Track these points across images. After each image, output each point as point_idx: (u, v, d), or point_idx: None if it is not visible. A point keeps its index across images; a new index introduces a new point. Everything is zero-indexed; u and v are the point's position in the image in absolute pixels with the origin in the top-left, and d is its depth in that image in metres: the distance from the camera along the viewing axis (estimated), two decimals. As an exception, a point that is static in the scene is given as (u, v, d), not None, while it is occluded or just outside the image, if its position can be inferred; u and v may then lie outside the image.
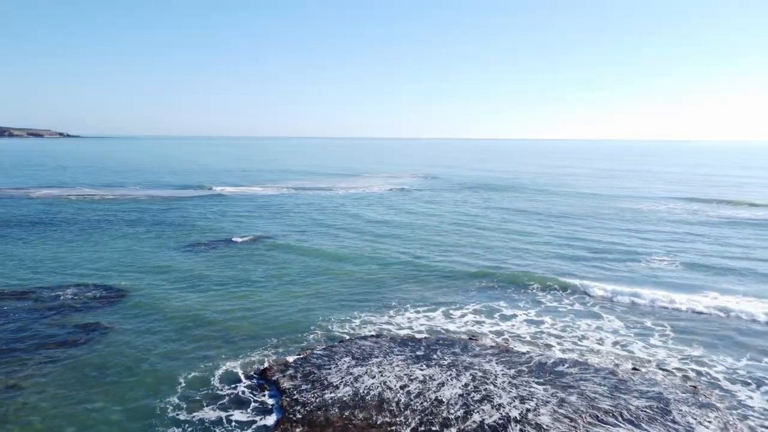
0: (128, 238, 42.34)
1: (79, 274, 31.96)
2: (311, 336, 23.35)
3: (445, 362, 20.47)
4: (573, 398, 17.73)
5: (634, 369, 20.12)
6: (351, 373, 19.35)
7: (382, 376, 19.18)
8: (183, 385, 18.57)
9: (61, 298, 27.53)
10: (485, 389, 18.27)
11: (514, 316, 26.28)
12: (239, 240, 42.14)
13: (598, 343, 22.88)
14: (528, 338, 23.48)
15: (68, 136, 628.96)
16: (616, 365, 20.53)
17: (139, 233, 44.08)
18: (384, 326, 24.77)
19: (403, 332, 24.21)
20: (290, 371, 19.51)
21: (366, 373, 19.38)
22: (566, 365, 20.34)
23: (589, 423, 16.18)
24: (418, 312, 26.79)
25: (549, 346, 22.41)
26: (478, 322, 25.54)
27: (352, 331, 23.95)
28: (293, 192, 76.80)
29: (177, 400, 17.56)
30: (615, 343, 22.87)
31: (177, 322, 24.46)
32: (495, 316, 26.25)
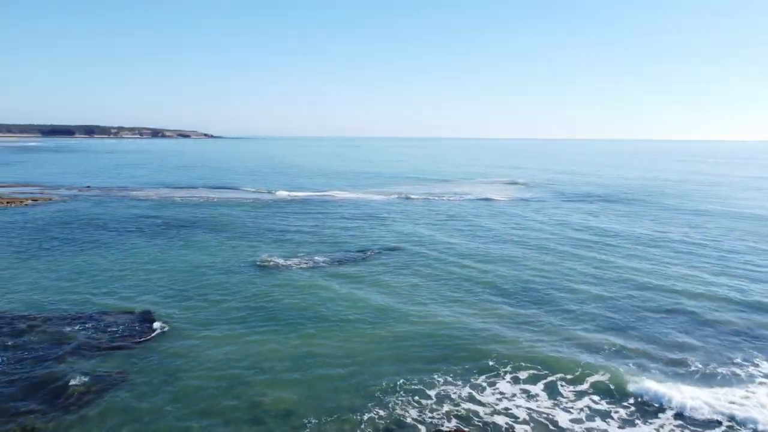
0: (202, 247, 39.17)
1: (117, 295, 28.62)
2: (366, 416, 17.25)
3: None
4: None
5: None
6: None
7: None
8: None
9: (69, 330, 23.43)
10: None
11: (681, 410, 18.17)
12: (324, 258, 37.20)
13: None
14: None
15: (212, 136, 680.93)
16: None
17: (222, 240, 40.88)
18: (468, 406, 18.01)
19: (496, 419, 17.32)
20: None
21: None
22: None
23: None
24: (516, 382, 19.68)
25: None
26: (602, 414, 17.83)
27: (426, 417, 17.45)
28: (402, 199, 71.28)
29: None
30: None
31: (204, 385, 19.53)
32: (633, 403, 18.34)
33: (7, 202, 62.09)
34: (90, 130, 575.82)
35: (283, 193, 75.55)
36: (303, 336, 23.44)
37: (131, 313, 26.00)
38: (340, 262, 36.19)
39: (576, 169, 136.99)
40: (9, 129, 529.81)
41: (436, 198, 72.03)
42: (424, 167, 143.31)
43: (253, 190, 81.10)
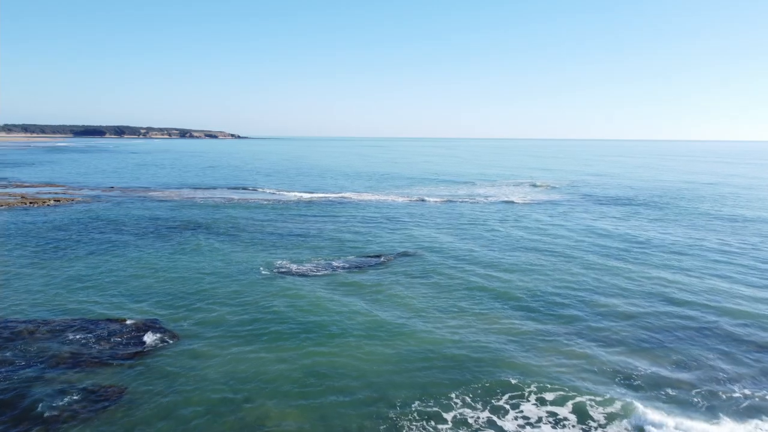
0: (216, 251, 38.28)
1: (122, 302, 27.76)
2: (373, 446, 15.87)
3: None
4: None
5: None
6: None
7: None
8: None
9: (65, 338, 22.55)
10: None
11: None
12: (340, 264, 35.97)
13: None
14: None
15: (238, 137, 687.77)
16: None
17: (237, 244, 39.95)
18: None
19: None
20: None
21: None
22: None
23: None
24: (542, 404, 18.10)
25: None
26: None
27: (435, 445, 16.01)
28: (423, 201, 69.73)
29: None
30: None
31: (204, 405, 18.40)
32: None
33: (30, 203, 62.43)
34: (120, 131, 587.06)
35: (303, 195, 74.69)
36: (312, 353, 22.14)
37: (131, 322, 25.05)
38: (356, 269, 34.90)
39: (606, 171, 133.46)
40: (43, 130, 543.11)
41: (459, 201, 70.29)
42: (449, 169, 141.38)
43: (274, 191, 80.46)
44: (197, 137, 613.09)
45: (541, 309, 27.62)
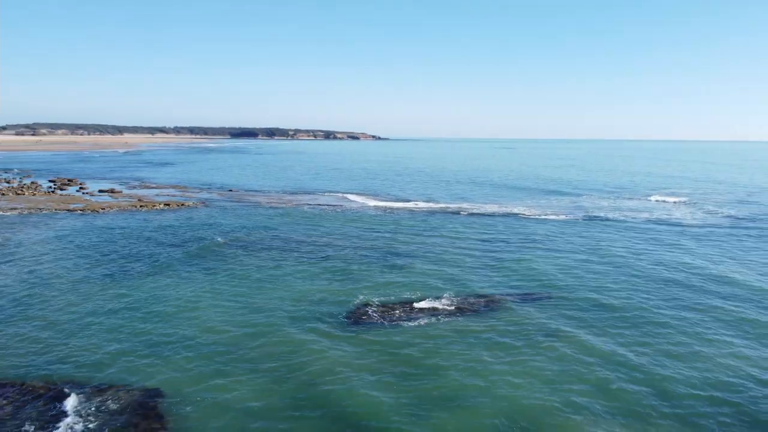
0: (290, 278, 31.36)
1: (144, 355, 21.37)
2: None
3: None
4: None
5: None
6: None
7: None
8: None
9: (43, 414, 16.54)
10: None
11: None
12: (437, 307, 27.22)
13: None
14: None
15: (379, 138, 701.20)
16: None
17: (318, 271, 32.87)
18: None
19: None
20: None
21: None
22: None
23: None
24: None
25: None
26: None
27: None
28: (554, 216, 58.14)
29: None
30: None
31: None
32: None
33: (141, 206, 61.54)
34: (271, 132, 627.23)
35: (419, 204, 66.66)
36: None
37: (140, 391, 18.61)
38: (462, 312, 26.12)
39: (731, 178, 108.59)
40: (206, 131, 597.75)
41: (601, 217, 57.53)
42: (585, 175, 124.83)
43: (390, 197, 73.40)
44: (340, 138, 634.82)
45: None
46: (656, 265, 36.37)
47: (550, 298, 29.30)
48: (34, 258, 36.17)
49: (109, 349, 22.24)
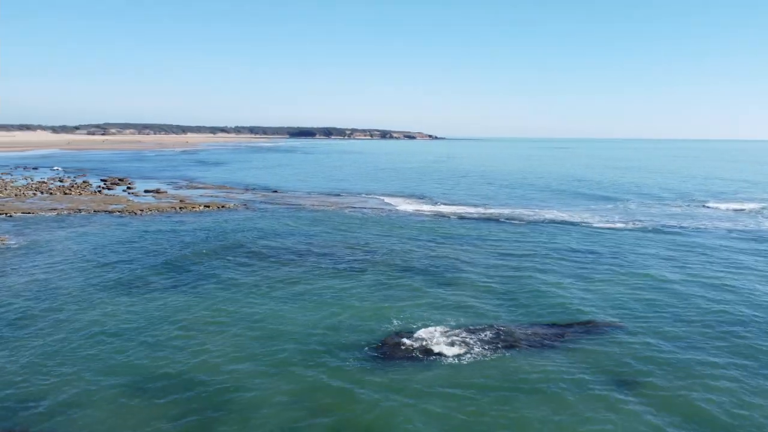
0: (322, 295, 27.46)
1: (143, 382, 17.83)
2: None
3: None
4: None
5: None
6: None
7: None
8: None
9: None
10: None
11: None
12: (484, 338, 22.64)
13: None
14: None
15: (435, 137, 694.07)
16: None
17: (352, 285, 28.86)
18: None
19: None
20: None
21: None
22: None
23: None
24: None
25: None
26: None
27: None
28: (634, 227, 51.74)
29: None
30: None
31: None
32: None
33: (181, 208, 59.59)
34: (328, 132, 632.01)
35: (469, 210, 61.64)
36: None
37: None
38: (521, 346, 21.40)
39: None
40: (265, 131, 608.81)
41: (687, 227, 50.80)
42: (661, 178, 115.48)
43: (440, 201, 68.68)
44: (396, 138, 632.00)
45: None
46: (758, 287, 30.24)
47: (620, 328, 24.08)
48: (48, 265, 33.93)
49: (74, 392, 18.93)
